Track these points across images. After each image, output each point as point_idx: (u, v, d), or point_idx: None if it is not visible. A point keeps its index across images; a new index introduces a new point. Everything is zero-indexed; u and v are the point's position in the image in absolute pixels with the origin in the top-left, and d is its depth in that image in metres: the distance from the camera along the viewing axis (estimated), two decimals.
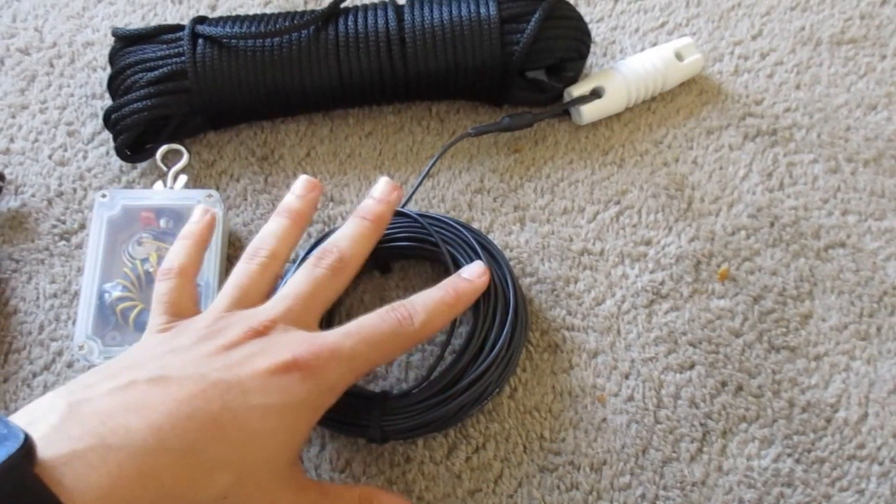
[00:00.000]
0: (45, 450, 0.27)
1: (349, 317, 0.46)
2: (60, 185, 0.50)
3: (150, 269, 0.44)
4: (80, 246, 0.48)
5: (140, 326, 0.42)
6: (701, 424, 0.43)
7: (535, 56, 0.48)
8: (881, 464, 0.42)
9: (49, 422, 0.28)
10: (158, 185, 0.47)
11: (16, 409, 0.35)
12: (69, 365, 0.45)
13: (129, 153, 0.49)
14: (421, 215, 0.45)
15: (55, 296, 0.46)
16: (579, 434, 0.43)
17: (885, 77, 0.53)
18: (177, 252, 0.40)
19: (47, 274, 0.47)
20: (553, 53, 0.48)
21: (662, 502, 0.41)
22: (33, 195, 0.49)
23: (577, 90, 0.50)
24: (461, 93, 0.50)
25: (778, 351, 0.45)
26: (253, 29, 0.47)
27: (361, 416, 0.40)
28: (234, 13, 0.54)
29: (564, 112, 0.51)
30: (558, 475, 0.42)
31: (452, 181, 0.49)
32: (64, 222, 0.49)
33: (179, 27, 0.49)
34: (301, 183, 0.42)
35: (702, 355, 0.44)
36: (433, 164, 0.48)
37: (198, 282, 0.43)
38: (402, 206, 0.47)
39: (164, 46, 0.48)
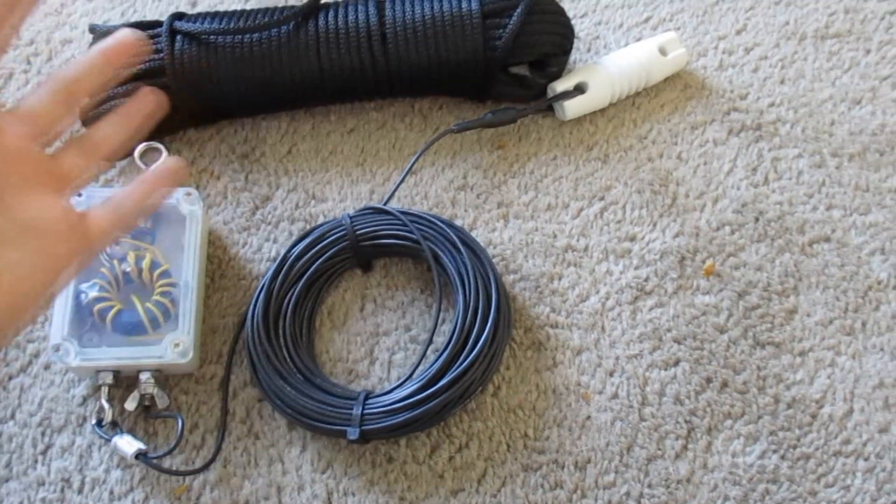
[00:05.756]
0: None
1: (330, 316, 0.45)
2: None
3: (128, 270, 0.43)
4: None
5: (118, 327, 0.42)
6: (686, 421, 0.43)
7: (518, 51, 0.47)
8: (867, 459, 0.42)
9: None
10: None
11: None
12: (46, 367, 0.44)
13: None
14: (403, 212, 0.45)
15: None
16: (563, 432, 0.42)
17: (870, 71, 0.52)
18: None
19: None
20: (536, 48, 0.48)
21: (647, 500, 0.41)
22: None
23: (561, 85, 0.49)
24: (444, 88, 0.50)
25: (763, 347, 0.44)
26: (232, 25, 0.46)
27: (342, 417, 0.40)
28: (213, 9, 0.53)
29: (548, 107, 0.50)
30: (542, 474, 0.41)
31: (435, 178, 0.49)
32: None
33: (157, 23, 0.48)
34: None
35: (687, 352, 0.44)
36: (415, 161, 0.48)
37: (176, 281, 0.43)
38: (384, 204, 0.46)
39: None
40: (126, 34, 0.35)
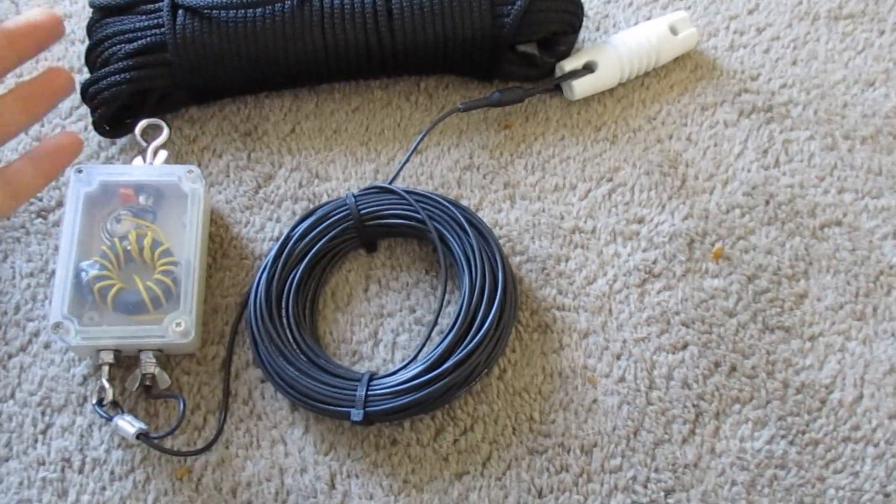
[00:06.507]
0: None
1: (334, 296, 0.45)
2: None
3: (130, 248, 0.42)
4: (57, 224, 0.46)
5: (119, 306, 0.41)
6: (693, 406, 0.42)
7: (526, 29, 0.47)
8: (876, 445, 0.41)
9: None
10: (138, 160, 0.46)
11: None
12: (46, 346, 0.43)
13: (107, 128, 0.47)
14: (408, 192, 0.44)
15: (32, 275, 0.45)
16: (569, 416, 0.42)
17: (884, 53, 0.51)
18: None
19: (24, 252, 0.46)
20: (545, 26, 0.47)
21: (654, 485, 0.41)
22: None
23: (569, 64, 0.48)
24: (450, 67, 0.49)
25: (772, 331, 0.44)
26: None
27: (346, 398, 0.40)
28: None
29: (556, 87, 0.49)
30: (548, 457, 0.41)
31: (441, 158, 0.48)
32: (41, 199, 0.47)
33: None
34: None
35: (695, 335, 0.44)
36: (421, 140, 0.47)
37: (178, 260, 0.42)
38: (390, 183, 0.46)
39: (144, 17, 0.46)
40: (36, 12, 0.33)
